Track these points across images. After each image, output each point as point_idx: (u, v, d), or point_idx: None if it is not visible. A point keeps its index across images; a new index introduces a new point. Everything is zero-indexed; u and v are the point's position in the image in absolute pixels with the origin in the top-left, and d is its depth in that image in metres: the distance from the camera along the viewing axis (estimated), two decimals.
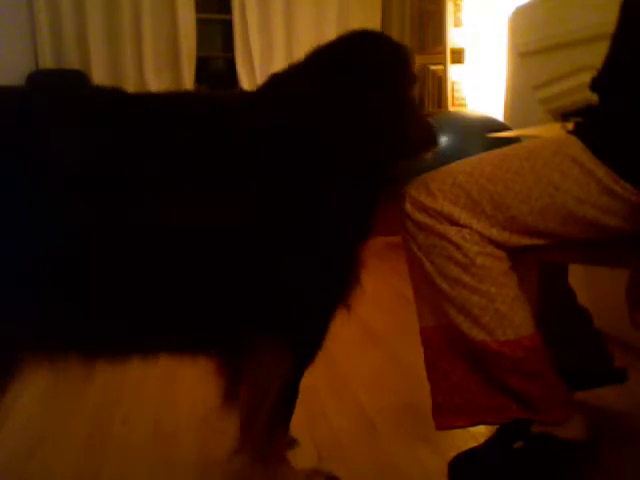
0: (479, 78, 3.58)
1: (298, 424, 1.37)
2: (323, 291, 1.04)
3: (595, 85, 1.07)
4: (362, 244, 1.08)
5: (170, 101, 1.11)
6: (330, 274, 1.03)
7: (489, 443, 1.14)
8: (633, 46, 1.00)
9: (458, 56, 3.73)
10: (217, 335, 1.04)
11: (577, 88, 1.79)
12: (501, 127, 2.64)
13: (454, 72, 3.74)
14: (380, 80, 1.03)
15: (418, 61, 4.27)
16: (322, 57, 1.06)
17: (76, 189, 0.94)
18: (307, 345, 1.06)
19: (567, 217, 1.00)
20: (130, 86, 3.91)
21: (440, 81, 3.94)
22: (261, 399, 1.05)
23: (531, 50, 2.25)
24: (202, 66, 4.27)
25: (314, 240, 1.01)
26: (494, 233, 1.03)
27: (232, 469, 1.22)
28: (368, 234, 1.09)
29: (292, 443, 1.24)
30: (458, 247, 1.02)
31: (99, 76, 3.86)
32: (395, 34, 4.49)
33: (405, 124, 1.06)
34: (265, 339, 1.03)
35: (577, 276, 1.44)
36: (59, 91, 1.11)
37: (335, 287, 1.05)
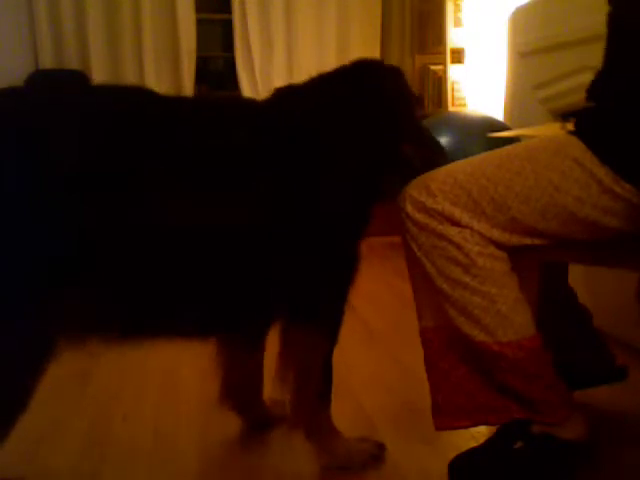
0: (479, 78, 3.58)
1: None
2: (335, 281, 1.17)
3: (592, 91, 1.07)
4: (361, 239, 1.19)
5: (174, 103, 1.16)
6: (340, 267, 1.16)
7: (489, 443, 1.14)
8: (630, 48, 1.00)
9: (458, 56, 3.73)
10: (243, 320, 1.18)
11: (577, 88, 1.79)
12: (501, 127, 2.64)
13: (454, 72, 3.74)
14: (378, 98, 1.18)
15: (418, 61, 4.28)
16: (328, 78, 1.20)
17: (99, 188, 0.98)
18: (329, 326, 1.18)
19: (568, 218, 1.00)
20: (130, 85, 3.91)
21: (440, 81, 3.94)
22: (306, 378, 1.18)
23: (531, 50, 2.24)
24: (202, 66, 4.27)
25: (323, 237, 1.12)
26: (495, 234, 1.03)
27: (231, 467, 1.22)
28: (365, 230, 1.20)
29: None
30: (459, 248, 1.02)
31: (99, 76, 3.86)
32: (395, 34, 4.50)
33: (399, 136, 1.20)
34: (296, 324, 1.17)
35: (577, 276, 1.44)
36: (60, 90, 1.12)
37: (345, 278, 1.17)
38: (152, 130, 1.08)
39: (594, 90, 1.07)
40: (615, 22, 1.03)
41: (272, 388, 1.23)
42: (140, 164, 1.07)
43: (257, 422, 1.37)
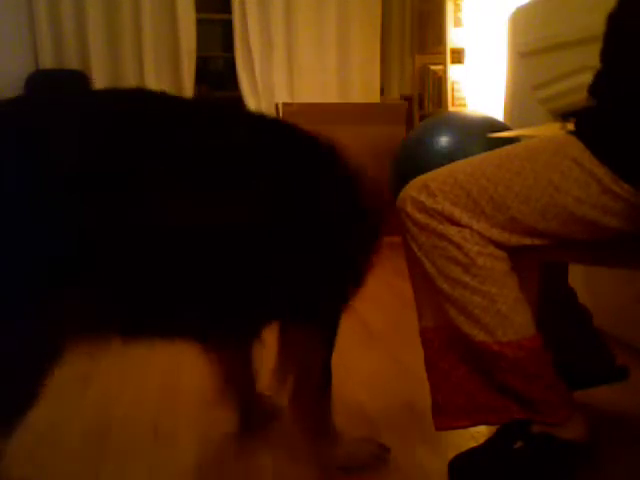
0: (479, 78, 3.58)
1: None
2: (336, 281, 1.18)
3: (593, 89, 1.07)
4: (370, 243, 1.20)
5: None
6: (340, 267, 1.17)
7: (489, 443, 1.14)
8: (630, 49, 1.00)
9: (458, 56, 3.74)
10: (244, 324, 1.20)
11: (577, 88, 1.79)
12: (501, 127, 2.63)
13: (454, 72, 3.75)
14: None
15: (418, 61, 4.29)
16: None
17: (99, 188, 0.98)
18: (329, 327, 1.20)
19: (567, 217, 1.00)
20: (130, 86, 3.91)
21: (440, 81, 3.94)
22: (306, 378, 1.19)
23: (531, 50, 2.25)
24: (202, 66, 4.27)
25: (323, 237, 1.13)
26: (494, 233, 1.03)
27: (232, 468, 1.22)
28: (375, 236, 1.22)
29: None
30: (459, 247, 1.02)
31: (99, 76, 3.86)
32: (395, 34, 4.50)
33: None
34: (297, 325, 1.18)
35: (577, 276, 1.44)
36: (60, 91, 1.13)
37: (345, 278, 1.19)
38: (152, 130, 1.08)
39: (596, 88, 1.07)
40: (615, 23, 1.03)
41: (269, 386, 1.23)
42: (140, 164, 1.07)
43: (253, 417, 1.38)
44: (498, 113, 2.87)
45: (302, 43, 4.16)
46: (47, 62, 3.79)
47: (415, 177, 1.11)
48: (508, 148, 1.10)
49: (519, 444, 1.09)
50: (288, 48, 4.17)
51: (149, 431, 1.36)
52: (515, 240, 1.03)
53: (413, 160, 2.84)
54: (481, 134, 2.68)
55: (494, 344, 1.02)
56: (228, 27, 4.16)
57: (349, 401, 1.49)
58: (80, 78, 3.77)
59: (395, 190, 1.16)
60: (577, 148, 1.01)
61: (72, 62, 3.82)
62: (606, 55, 1.04)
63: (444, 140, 2.78)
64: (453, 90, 3.79)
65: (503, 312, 1.02)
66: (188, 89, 4.05)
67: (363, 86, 4.35)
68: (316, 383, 1.19)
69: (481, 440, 1.17)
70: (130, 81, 3.93)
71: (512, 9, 2.42)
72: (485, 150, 1.13)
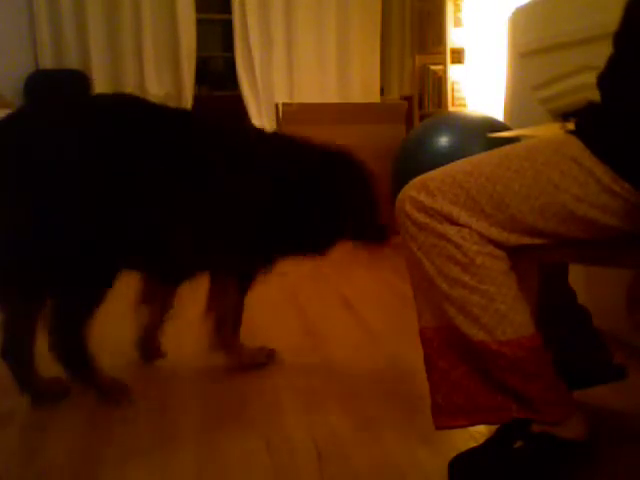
0: (479, 78, 3.58)
1: (298, 424, 1.37)
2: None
3: (601, 80, 1.07)
4: None
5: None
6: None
7: (489, 443, 1.14)
8: (634, 46, 1.00)
9: (458, 56, 3.74)
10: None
11: (577, 88, 1.79)
12: (501, 127, 2.64)
13: (454, 72, 3.75)
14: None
15: (418, 61, 4.29)
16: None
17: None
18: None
19: (566, 216, 1.00)
20: (130, 86, 3.91)
21: (440, 81, 3.95)
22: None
23: (531, 50, 2.25)
24: (202, 66, 4.27)
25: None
26: (493, 232, 1.03)
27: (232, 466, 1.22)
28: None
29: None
30: (458, 246, 1.02)
31: (99, 76, 3.86)
32: (395, 34, 4.50)
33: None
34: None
35: (577, 276, 1.44)
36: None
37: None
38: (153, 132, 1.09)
39: (603, 79, 1.06)
40: (630, 11, 1.01)
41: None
42: (141, 164, 1.08)
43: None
44: (498, 113, 2.87)
45: (302, 43, 4.16)
46: (47, 62, 3.79)
47: (415, 177, 1.11)
48: (507, 147, 1.10)
49: (519, 444, 1.09)
50: (288, 48, 4.17)
51: (149, 430, 1.37)
52: (514, 239, 1.03)
53: (413, 160, 2.85)
54: (481, 134, 2.69)
55: (493, 343, 1.02)
56: (228, 27, 4.17)
57: (349, 401, 1.49)
58: (80, 78, 3.77)
59: (395, 190, 1.16)
60: (576, 147, 1.01)
61: (72, 62, 3.82)
62: (618, 43, 1.03)
63: (444, 140, 2.79)
64: (453, 90, 3.79)
65: (502, 311, 1.02)
66: (188, 89, 4.05)
67: (363, 86, 4.35)
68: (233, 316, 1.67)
69: (481, 440, 1.17)
70: (130, 81, 3.93)
71: (512, 9, 2.42)
72: (485, 150, 1.13)
